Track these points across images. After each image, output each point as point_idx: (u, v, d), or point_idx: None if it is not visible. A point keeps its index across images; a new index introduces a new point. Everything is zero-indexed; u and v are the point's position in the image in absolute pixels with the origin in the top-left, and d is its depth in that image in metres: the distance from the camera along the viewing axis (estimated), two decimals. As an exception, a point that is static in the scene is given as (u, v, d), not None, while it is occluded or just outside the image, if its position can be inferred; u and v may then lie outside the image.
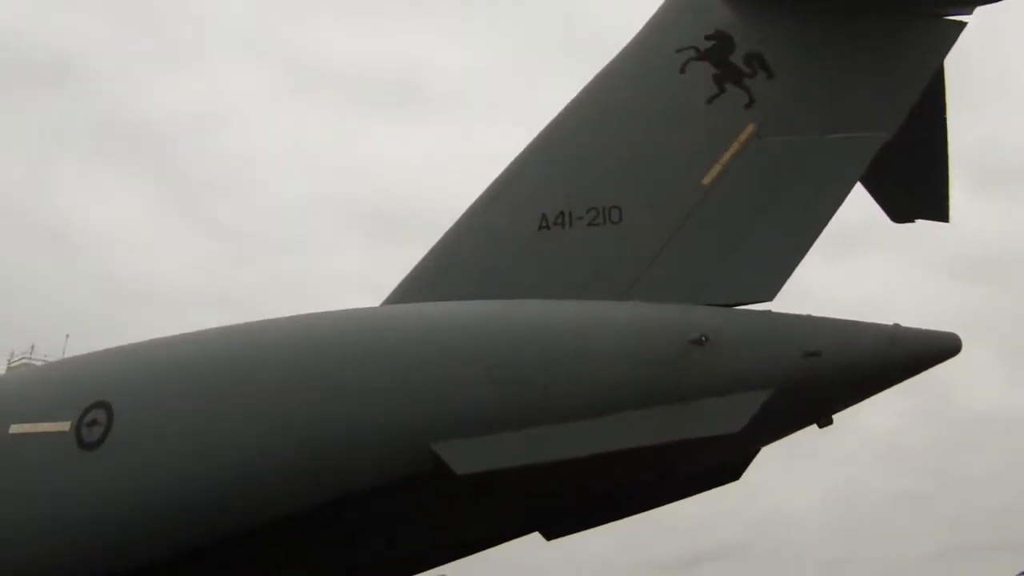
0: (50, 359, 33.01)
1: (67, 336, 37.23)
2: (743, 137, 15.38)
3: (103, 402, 16.68)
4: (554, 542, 17.11)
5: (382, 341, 15.30)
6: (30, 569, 16.86)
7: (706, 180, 15.10)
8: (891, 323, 14.13)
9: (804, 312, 14.40)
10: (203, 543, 15.63)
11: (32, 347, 35.73)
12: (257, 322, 17.49)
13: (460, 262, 16.06)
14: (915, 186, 18.26)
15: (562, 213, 15.18)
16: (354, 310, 17.09)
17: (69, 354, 30.97)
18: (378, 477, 14.28)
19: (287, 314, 17.93)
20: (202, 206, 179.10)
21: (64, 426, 16.84)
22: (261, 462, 15.07)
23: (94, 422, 16.54)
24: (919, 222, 19.12)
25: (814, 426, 14.71)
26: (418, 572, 19.05)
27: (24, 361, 35.30)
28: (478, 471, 13.39)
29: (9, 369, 35.26)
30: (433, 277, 16.27)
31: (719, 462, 15.14)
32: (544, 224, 15.23)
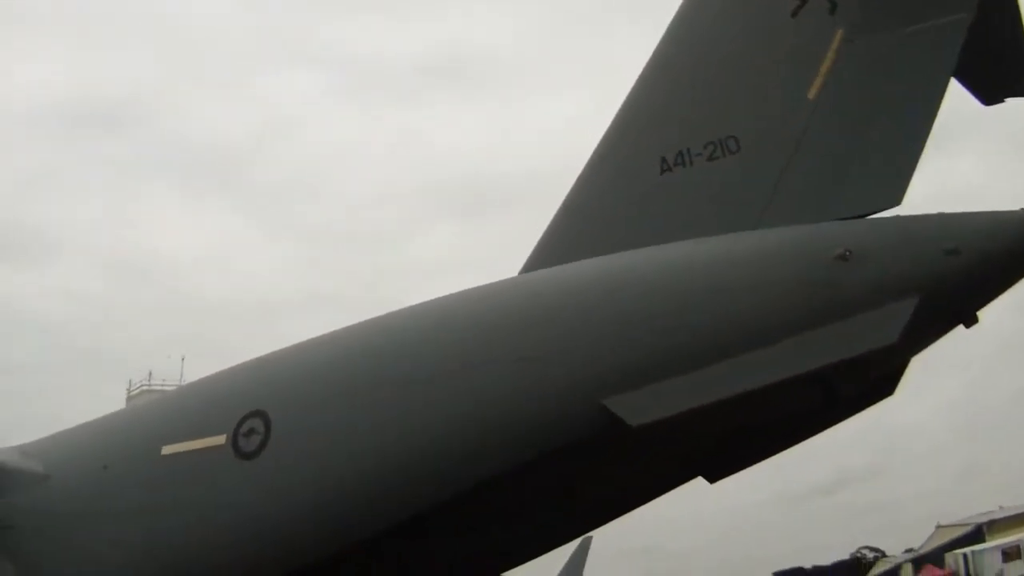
0: (168, 383, 33.93)
1: (183, 358, 38.33)
2: (835, 44, 15.05)
3: (259, 411, 17.11)
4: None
5: (536, 308, 15.36)
6: None
7: (811, 95, 14.89)
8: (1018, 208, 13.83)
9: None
10: (374, 535, 15.86)
11: (149, 374, 36.83)
12: (400, 311, 17.58)
13: (588, 220, 16.15)
14: (1002, 64, 17.70)
15: (680, 153, 15.07)
16: (495, 283, 17.02)
17: (188, 376, 31.98)
18: (552, 442, 14.36)
19: (388, 308, 18.38)
20: (281, 213, 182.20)
21: (220, 439, 17.42)
22: (431, 446, 15.24)
23: (251, 431, 17.01)
24: (1009, 103, 18.41)
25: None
26: (581, 534, 19.40)
27: (143, 388, 36.31)
28: (652, 420, 13.46)
29: (129, 399, 36.24)
30: (565, 238, 16.36)
31: (874, 378, 14.94)
32: (666, 167, 15.19)
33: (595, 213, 16.20)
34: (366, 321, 18.02)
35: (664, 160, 15.18)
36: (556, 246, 16.49)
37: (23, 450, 22.80)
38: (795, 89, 14.94)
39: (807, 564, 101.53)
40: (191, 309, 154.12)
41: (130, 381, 38.95)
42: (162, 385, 35.45)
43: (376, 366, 16.45)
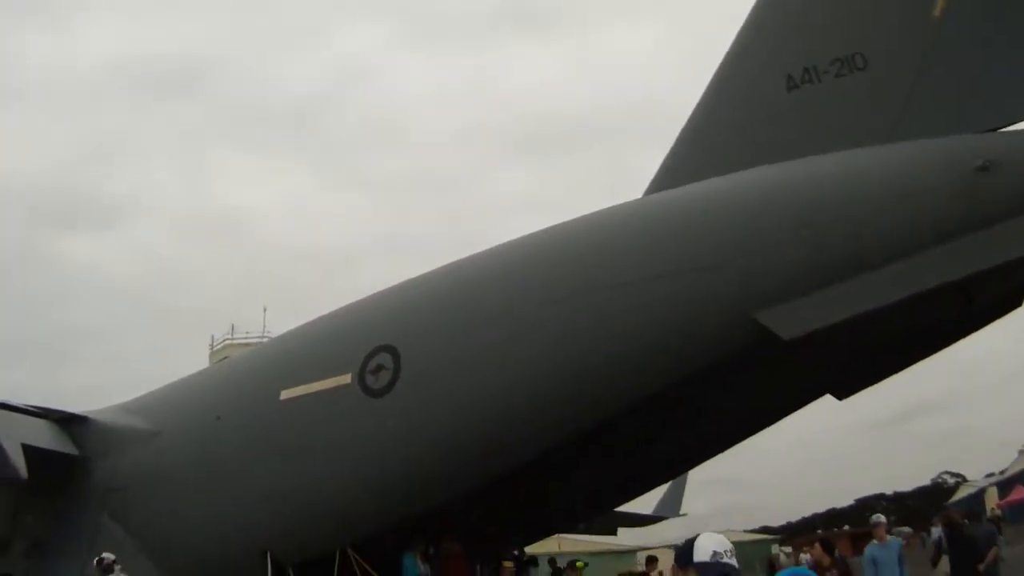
0: (251, 336, 33.83)
1: (264, 310, 37.95)
2: None
3: (387, 346, 16.68)
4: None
5: (679, 224, 15.07)
6: (333, 523, 17.13)
7: (936, 12, 14.96)
8: None
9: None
10: (531, 455, 15.61)
11: (232, 328, 36.62)
12: (532, 235, 17.18)
13: (717, 139, 15.94)
14: None
15: (807, 70, 14.93)
16: (627, 204, 16.70)
17: (271, 328, 31.87)
18: (706, 357, 14.28)
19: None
20: (357, 163, 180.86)
21: (345, 379, 16.99)
22: (579, 366, 14.91)
23: (379, 368, 16.58)
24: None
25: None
26: (710, 457, 19.44)
27: (227, 343, 36.10)
28: (803, 333, 13.37)
29: (213, 354, 36.14)
30: (695, 158, 16.11)
31: (1005, 290, 15.11)
32: (793, 84, 15.10)
33: (724, 132, 16.00)
34: (497, 247, 17.51)
35: (791, 78, 15.02)
36: (686, 165, 16.22)
37: (126, 408, 22.52)
38: (920, 6, 14.58)
39: (888, 491, 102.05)
40: (270, 262, 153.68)
41: (212, 337, 38.78)
42: (245, 338, 35.31)
43: (517, 291, 15.91)
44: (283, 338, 20.22)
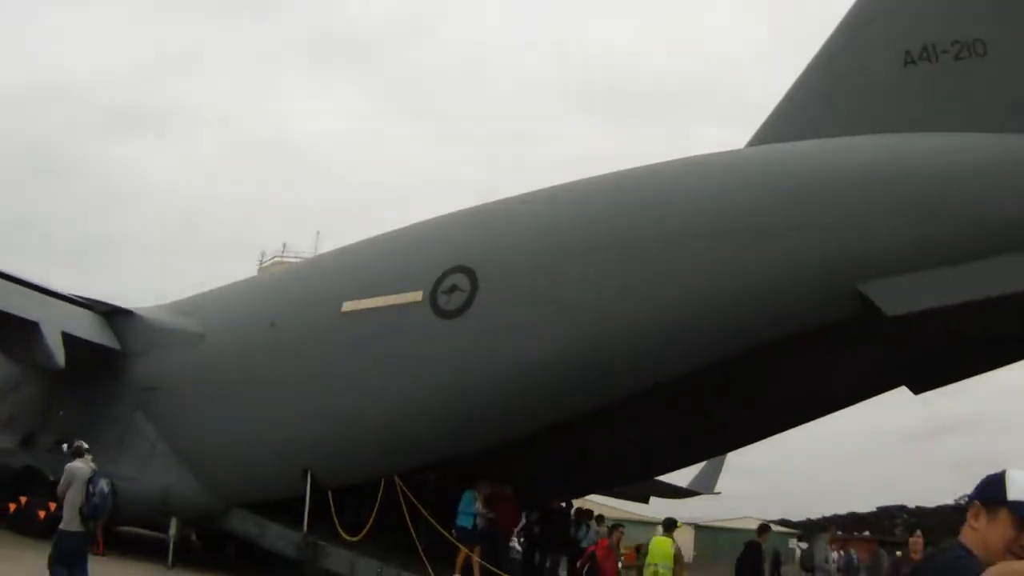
0: (303, 255, 32.81)
1: (318, 232, 36.72)
2: None
3: (464, 267, 15.72)
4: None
5: (794, 178, 14.12)
6: (383, 448, 16.21)
7: None
8: None
9: None
10: (612, 398, 14.68)
11: (283, 245, 35.69)
12: (632, 171, 16.03)
13: (823, 103, 15.14)
14: None
15: (926, 48, 14.20)
16: (728, 152, 15.75)
17: (322, 251, 30.96)
18: (800, 321, 13.44)
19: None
20: (423, 100, 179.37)
21: (415, 296, 16.01)
22: (673, 316, 13.95)
23: (453, 288, 15.63)
24: None
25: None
26: (777, 432, 18.35)
27: (276, 260, 35.25)
28: (909, 311, 12.55)
29: (261, 269, 35.26)
30: (797, 118, 15.27)
31: None
32: (909, 60, 14.35)
33: (833, 95, 15.15)
34: (588, 178, 16.31)
35: (908, 53, 14.29)
36: (790, 124, 15.29)
37: (174, 307, 21.56)
38: None
39: (910, 504, 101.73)
40: (325, 192, 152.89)
41: (262, 252, 37.82)
42: (295, 257, 34.33)
43: (618, 227, 14.73)
44: (347, 250, 19.11)
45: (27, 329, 19.61)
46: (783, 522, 74.81)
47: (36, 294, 20.73)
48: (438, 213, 18.51)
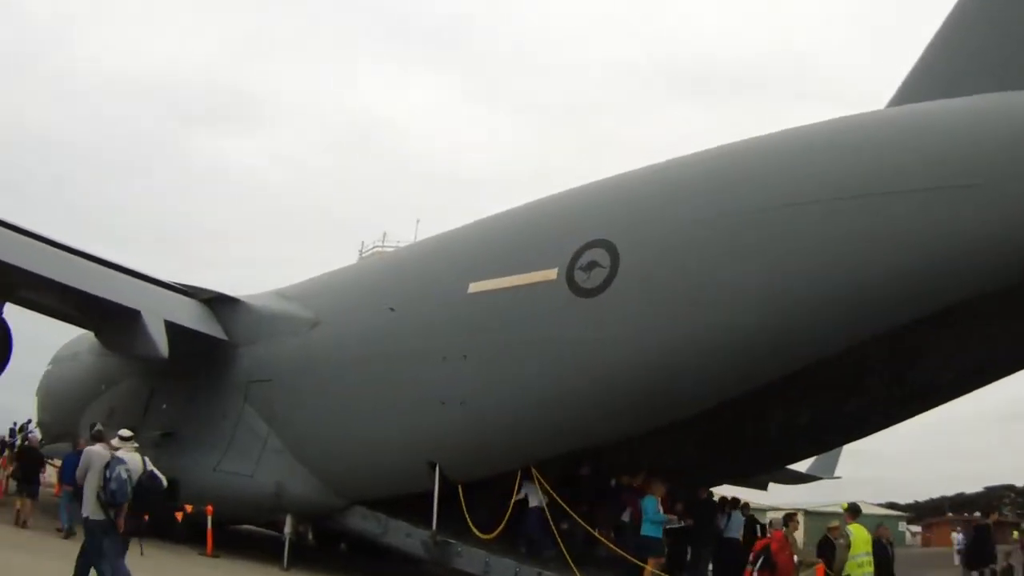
0: (403, 244, 31.91)
1: (418, 220, 35.59)
2: None
3: (603, 240, 14.24)
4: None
5: (957, 136, 12.53)
6: (519, 437, 14.93)
7: None
8: None
9: None
10: (767, 377, 13.23)
11: (384, 235, 34.90)
12: (771, 136, 14.39)
13: (974, 58, 13.49)
14: None
15: None
16: (872, 113, 14.06)
17: (421, 239, 29.89)
18: (979, 286, 11.89)
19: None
20: (510, 86, 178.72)
21: (550, 274, 14.60)
22: (838, 285, 12.33)
23: (592, 264, 14.18)
24: None
25: None
26: (916, 413, 16.74)
27: (376, 249, 34.40)
28: None
29: (361, 259, 34.43)
30: (944, 73, 13.72)
31: None
32: None
33: (980, 51, 13.63)
34: (739, 142, 14.65)
35: None
36: (934, 81, 13.85)
37: (282, 294, 20.41)
38: None
39: (1018, 483, 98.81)
40: (413, 179, 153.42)
41: (362, 242, 37.01)
42: (396, 245, 33.41)
43: (793, 185, 13.09)
44: (472, 227, 17.65)
45: (128, 318, 18.67)
46: (891, 505, 72.19)
47: (136, 281, 19.83)
48: (534, 197, 17.06)
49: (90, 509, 11.31)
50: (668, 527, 15.50)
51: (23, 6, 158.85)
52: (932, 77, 14.03)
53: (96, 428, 13.36)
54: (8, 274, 17.79)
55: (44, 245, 19.37)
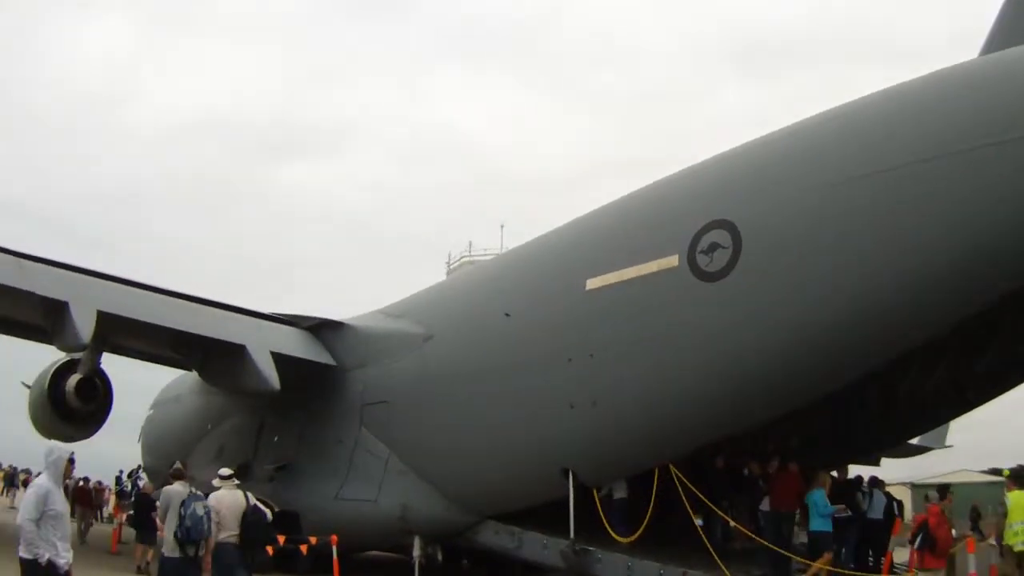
0: (490, 252, 31.60)
1: (502, 226, 35.39)
2: None
3: (723, 220, 13.58)
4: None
5: None
6: (654, 434, 14.30)
7: None
8: None
9: None
10: (896, 352, 12.61)
11: (469, 244, 34.83)
12: (866, 98, 13.57)
13: None
14: None
15: None
16: (973, 62, 13.19)
17: (508, 247, 29.50)
18: None
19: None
20: (576, 83, 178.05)
21: (671, 260, 13.97)
22: (993, 235, 11.50)
23: (714, 247, 13.56)
24: None
25: None
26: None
27: (464, 259, 34.28)
28: None
29: (450, 272, 34.27)
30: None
31: None
32: None
33: None
34: (838, 107, 13.84)
35: None
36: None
37: (386, 313, 20.03)
38: None
39: None
40: (493, 184, 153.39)
41: (449, 254, 36.94)
42: (484, 254, 33.16)
43: (912, 146, 12.11)
44: (582, 222, 17.05)
45: (233, 354, 18.58)
46: (993, 471, 69.89)
47: (237, 316, 19.74)
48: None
49: (167, 547, 11.52)
50: (837, 517, 14.84)
51: (99, 54, 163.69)
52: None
53: (175, 467, 13.33)
54: (111, 325, 17.80)
55: (143, 291, 19.40)
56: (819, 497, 14.36)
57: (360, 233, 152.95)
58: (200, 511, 11.48)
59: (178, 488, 11.92)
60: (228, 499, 12.30)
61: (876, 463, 30.42)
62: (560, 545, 15.36)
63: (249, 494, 12.61)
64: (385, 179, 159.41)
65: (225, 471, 12.94)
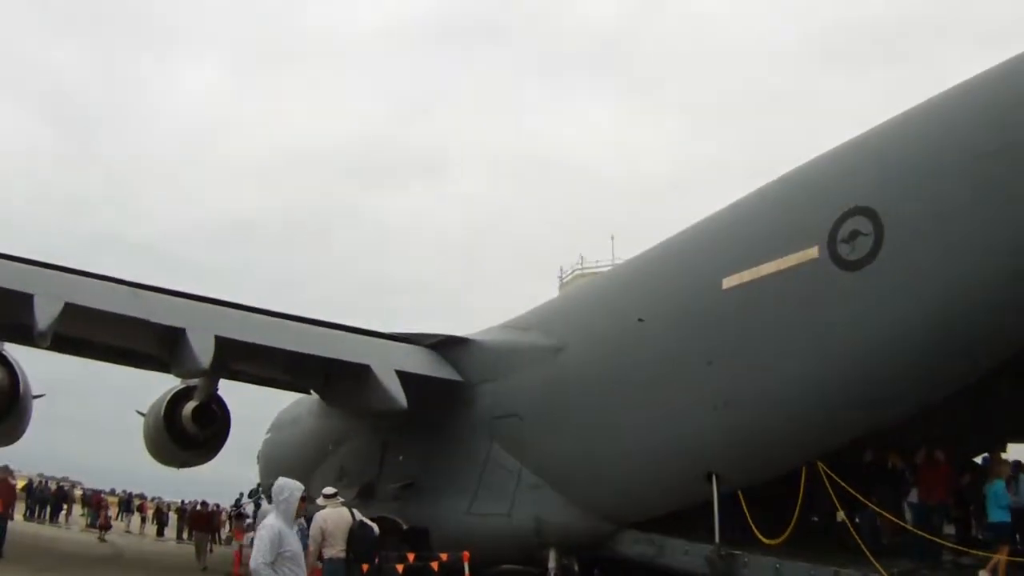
0: (601, 264, 31.60)
1: (612, 237, 35.71)
2: None
3: (863, 207, 13.12)
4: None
5: None
6: (799, 433, 13.86)
7: None
8: None
9: None
10: None
11: (581, 258, 35.06)
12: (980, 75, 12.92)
13: None
14: None
15: None
16: None
17: (619, 257, 29.32)
18: None
19: None
20: (666, 89, 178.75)
21: (811, 252, 13.55)
22: None
23: (855, 234, 13.12)
24: None
25: None
26: None
27: (577, 273, 34.38)
28: None
29: (563, 285, 34.35)
30: None
31: None
32: None
33: None
34: (961, 83, 13.25)
35: None
36: None
37: (511, 327, 19.96)
38: None
39: None
40: (598, 197, 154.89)
41: (561, 268, 37.15)
42: (596, 266, 33.22)
43: None
44: (712, 220, 16.63)
45: (357, 374, 18.65)
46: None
47: (360, 336, 19.86)
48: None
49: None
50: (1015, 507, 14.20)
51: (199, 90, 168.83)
52: None
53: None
54: (229, 350, 18.01)
55: (258, 316, 19.63)
56: (999, 488, 13.79)
57: (470, 253, 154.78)
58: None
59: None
60: (334, 516, 13.01)
61: (1003, 449, 29.40)
62: (704, 550, 15.03)
63: (355, 510, 13.35)
64: (487, 199, 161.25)
65: (329, 490, 13.64)
